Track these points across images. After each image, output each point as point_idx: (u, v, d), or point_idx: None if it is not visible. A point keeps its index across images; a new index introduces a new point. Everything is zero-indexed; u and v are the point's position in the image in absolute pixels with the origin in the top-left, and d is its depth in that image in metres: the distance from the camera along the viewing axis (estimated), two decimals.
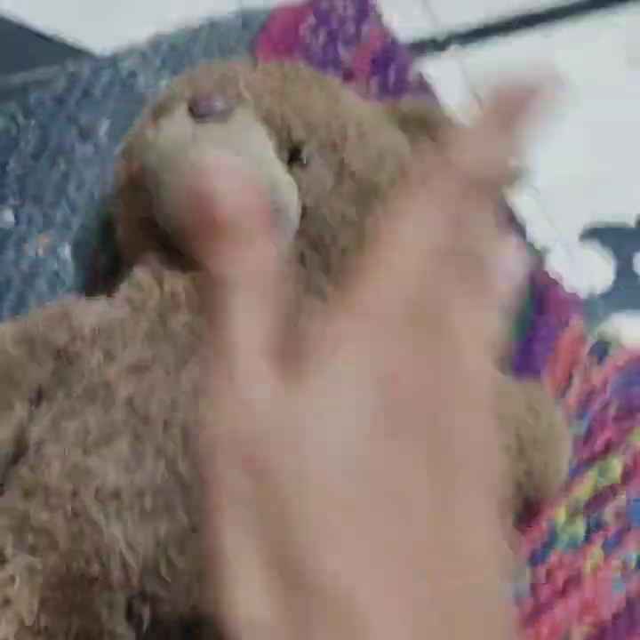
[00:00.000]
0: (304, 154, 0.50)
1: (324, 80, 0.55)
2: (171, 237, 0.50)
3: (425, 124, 0.56)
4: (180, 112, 0.50)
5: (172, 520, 0.43)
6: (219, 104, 0.48)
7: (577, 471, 0.57)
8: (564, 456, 0.54)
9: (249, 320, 0.29)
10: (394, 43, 0.72)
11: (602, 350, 0.61)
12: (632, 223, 0.68)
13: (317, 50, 0.71)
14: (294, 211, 0.50)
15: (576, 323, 0.62)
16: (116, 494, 0.43)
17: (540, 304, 0.63)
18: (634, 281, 0.66)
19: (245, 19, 0.73)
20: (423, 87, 0.71)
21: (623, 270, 0.66)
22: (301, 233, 0.50)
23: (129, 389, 0.46)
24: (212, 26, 0.72)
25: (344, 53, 0.71)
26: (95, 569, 0.42)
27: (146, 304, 0.49)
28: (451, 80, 0.72)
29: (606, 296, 0.65)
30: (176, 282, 0.49)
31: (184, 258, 0.50)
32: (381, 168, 0.52)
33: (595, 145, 0.71)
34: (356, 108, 0.54)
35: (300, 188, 0.50)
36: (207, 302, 0.30)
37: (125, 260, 0.55)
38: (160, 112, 0.52)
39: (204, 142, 0.48)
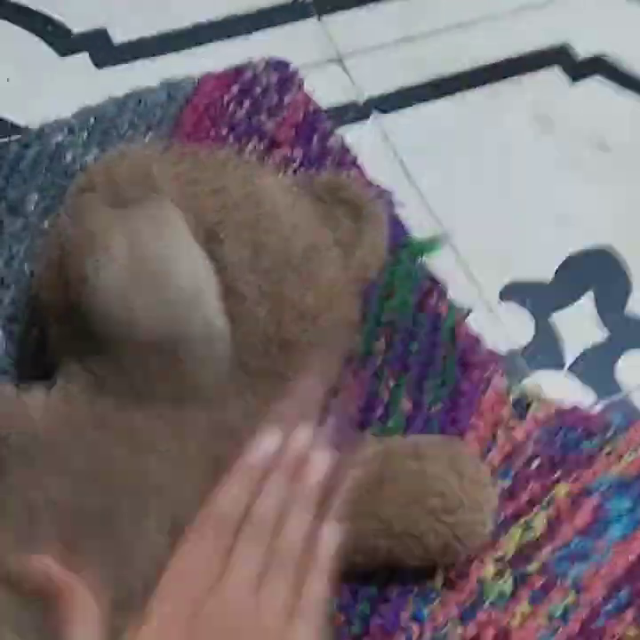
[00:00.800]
0: (220, 234, 0.52)
1: (239, 160, 0.57)
2: (92, 325, 0.52)
3: (337, 196, 0.59)
4: (95, 201, 0.51)
5: None
6: (131, 194, 0.50)
7: (502, 527, 0.59)
8: (489, 513, 0.56)
9: None
10: (316, 111, 0.75)
11: (523, 407, 0.63)
12: (549, 281, 0.70)
13: (242, 120, 0.73)
14: (213, 292, 0.52)
15: (498, 381, 0.64)
16: None
17: (463, 363, 0.65)
18: (552, 337, 0.68)
19: (170, 91, 0.75)
20: (345, 153, 0.73)
21: (542, 327, 0.68)
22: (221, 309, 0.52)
23: (50, 519, 0.47)
24: (138, 98, 0.74)
25: (267, 123, 0.73)
26: None
27: (71, 418, 0.51)
28: (372, 145, 0.75)
29: (526, 353, 0.67)
30: (105, 402, 0.51)
31: (110, 345, 0.51)
32: (295, 241, 0.54)
33: (511, 206, 0.73)
34: (271, 185, 0.56)
35: (217, 267, 0.52)
36: None
37: (52, 339, 0.56)
38: (78, 199, 0.54)
39: (117, 232, 0.50)
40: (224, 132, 0.73)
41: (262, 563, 0.41)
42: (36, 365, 0.59)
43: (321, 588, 0.42)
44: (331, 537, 0.43)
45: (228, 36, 0.80)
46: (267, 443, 0.43)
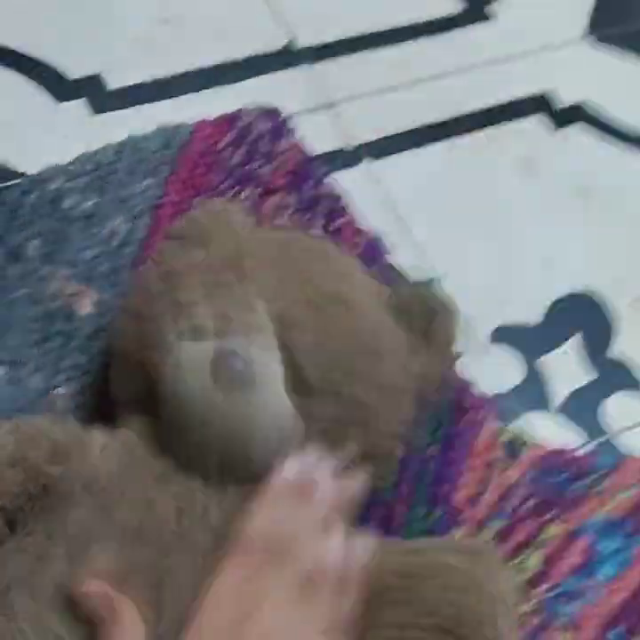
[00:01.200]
0: (297, 324, 0.54)
1: (325, 251, 0.58)
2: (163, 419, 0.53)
3: (423, 310, 0.60)
4: (206, 349, 0.51)
5: None
6: (239, 366, 0.51)
7: None
8: (504, 629, 0.51)
9: None
10: (308, 158, 0.77)
11: (515, 448, 0.65)
12: (537, 324, 0.73)
13: (237, 167, 0.75)
14: (296, 441, 0.53)
15: (490, 423, 0.66)
16: None
17: (456, 406, 0.66)
18: (541, 380, 0.70)
19: (167, 136, 0.76)
20: (337, 199, 0.75)
21: (531, 370, 0.71)
22: None
23: (105, 562, 0.48)
24: (135, 144, 0.75)
25: (261, 170, 0.75)
26: None
27: (139, 473, 0.51)
28: (363, 191, 0.77)
29: (516, 394, 0.69)
30: (165, 461, 0.52)
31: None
32: (371, 344, 0.56)
33: (499, 250, 0.76)
34: (357, 287, 0.57)
35: (288, 356, 0.53)
36: None
37: (115, 394, 0.57)
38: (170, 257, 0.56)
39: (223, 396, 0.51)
40: (219, 178, 0.74)
41: (294, 585, 0.46)
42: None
43: (350, 603, 0.48)
44: (360, 551, 0.49)
45: (222, 83, 0.82)
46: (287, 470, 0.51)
